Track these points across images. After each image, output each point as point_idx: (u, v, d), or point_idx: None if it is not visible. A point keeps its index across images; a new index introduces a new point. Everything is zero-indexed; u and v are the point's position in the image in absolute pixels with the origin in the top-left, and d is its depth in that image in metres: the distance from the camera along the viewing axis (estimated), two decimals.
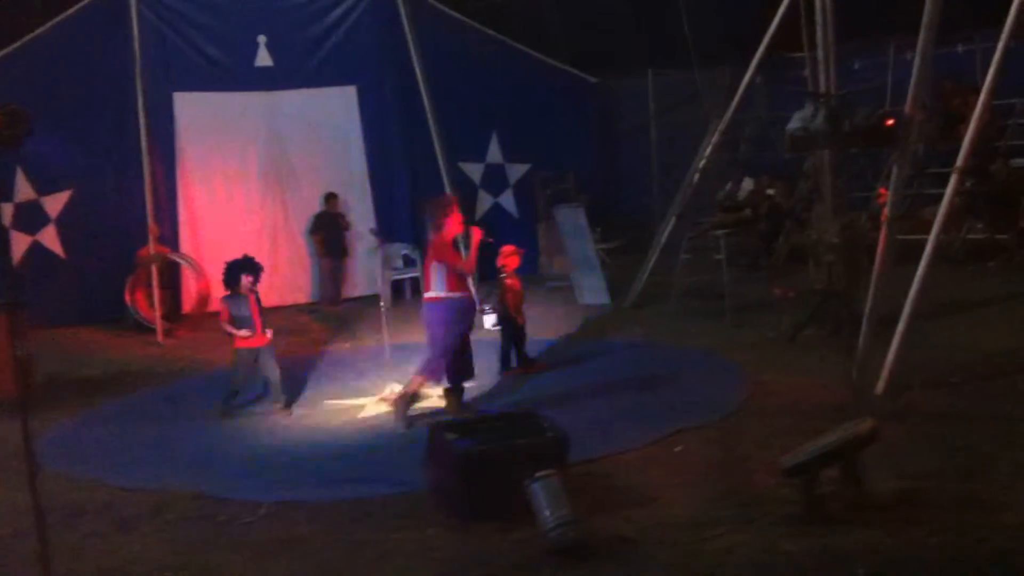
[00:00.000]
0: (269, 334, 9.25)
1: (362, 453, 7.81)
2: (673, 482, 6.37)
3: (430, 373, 8.38)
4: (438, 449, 6.37)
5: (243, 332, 9.03)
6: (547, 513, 5.44)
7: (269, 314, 10.00)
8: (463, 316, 8.44)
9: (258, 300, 9.32)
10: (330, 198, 14.52)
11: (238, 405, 9.16)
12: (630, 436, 7.41)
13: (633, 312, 12.32)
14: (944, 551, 4.99)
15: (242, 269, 9.21)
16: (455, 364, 8.42)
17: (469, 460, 6.02)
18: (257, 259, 9.45)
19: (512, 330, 9.95)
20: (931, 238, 8.11)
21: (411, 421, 8.23)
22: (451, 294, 8.27)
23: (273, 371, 9.19)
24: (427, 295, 8.47)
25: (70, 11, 13.40)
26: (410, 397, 8.39)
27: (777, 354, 9.59)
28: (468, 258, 8.66)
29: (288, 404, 9.19)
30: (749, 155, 15.63)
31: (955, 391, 7.74)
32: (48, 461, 7.39)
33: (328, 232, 14.55)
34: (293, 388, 9.76)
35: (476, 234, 8.61)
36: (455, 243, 8.69)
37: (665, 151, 16.51)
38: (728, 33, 14.74)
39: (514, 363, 9.92)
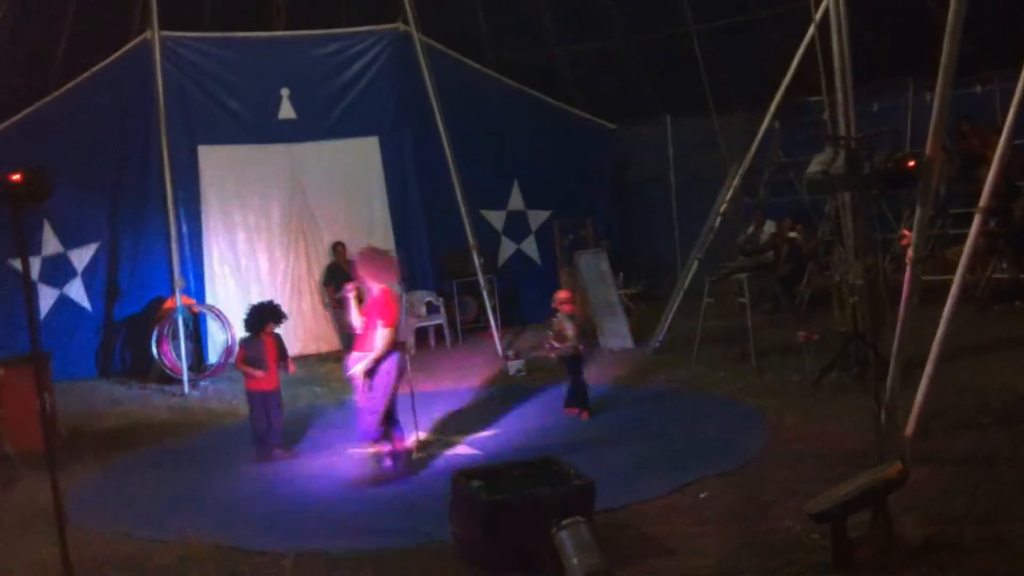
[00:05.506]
0: (277, 379, 9.40)
1: (385, 502, 7.78)
2: (698, 530, 6.32)
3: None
4: (462, 498, 6.32)
5: (258, 372, 9.16)
6: (575, 561, 5.39)
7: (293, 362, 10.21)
8: None
9: (279, 345, 9.49)
10: (337, 247, 14.50)
11: (267, 448, 9.21)
12: (654, 484, 7.36)
13: (657, 357, 12.26)
14: None
15: (267, 317, 9.37)
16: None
17: (494, 509, 5.96)
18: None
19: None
20: (956, 278, 8.05)
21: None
22: None
23: (277, 417, 9.32)
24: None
25: (95, 68, 13.61)
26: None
27: (802, 398, 9.51)
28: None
29: (288, 447, 9.37)
30: (768, 199, 15.61)
31: (983, 433, 7.64)
32: (74, 514, 7.39)
33: (339, 283, 14.55)
34: (317, 436, 9.79)
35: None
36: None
37: (685, 196, 16.53)
38: (744, 78, 14.81)
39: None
